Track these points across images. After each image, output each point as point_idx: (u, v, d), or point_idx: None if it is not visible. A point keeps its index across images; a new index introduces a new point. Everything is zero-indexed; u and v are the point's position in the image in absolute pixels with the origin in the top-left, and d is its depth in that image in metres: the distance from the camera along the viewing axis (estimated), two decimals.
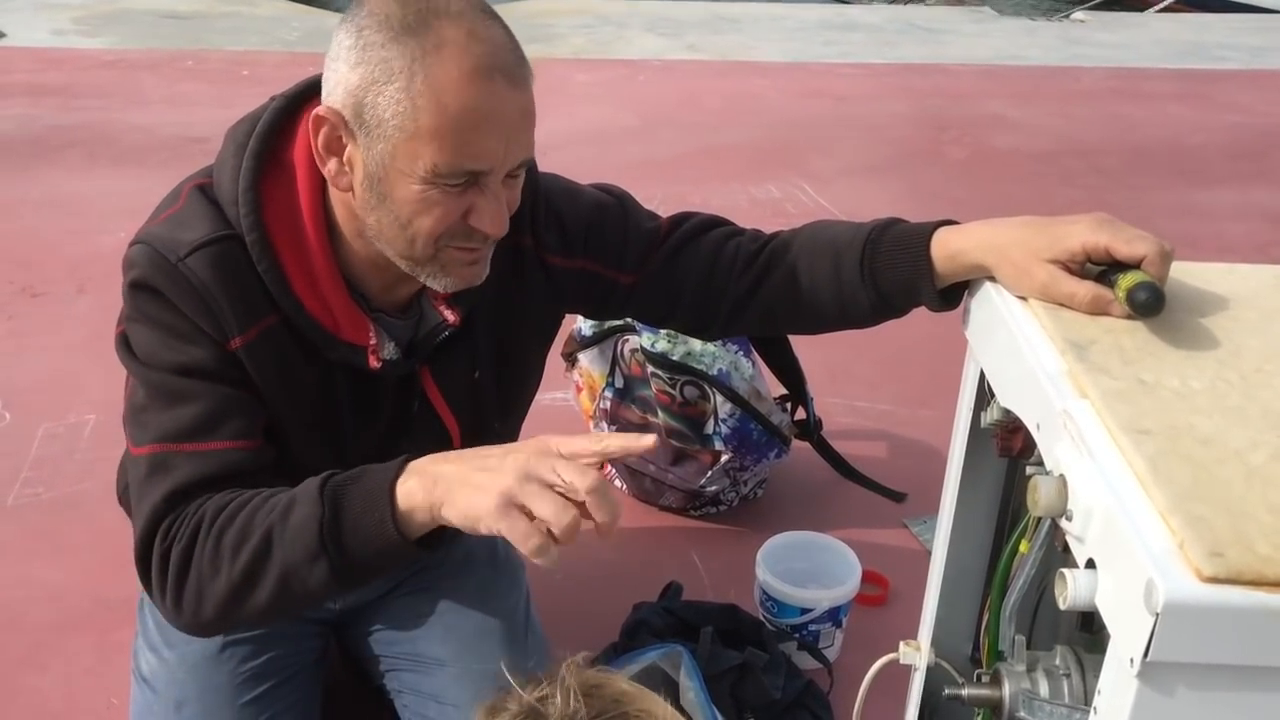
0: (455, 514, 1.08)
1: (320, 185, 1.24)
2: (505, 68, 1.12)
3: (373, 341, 1.28)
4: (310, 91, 1.24)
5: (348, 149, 1.16)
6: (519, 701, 0.94)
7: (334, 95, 1.14)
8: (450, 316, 1.32)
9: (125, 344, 1.25)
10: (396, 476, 1.12)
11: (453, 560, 1.54)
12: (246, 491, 1.19)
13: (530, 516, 1.04)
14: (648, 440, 1.09)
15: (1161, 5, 7.97)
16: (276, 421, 1.27)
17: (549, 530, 1.03)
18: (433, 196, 1.14)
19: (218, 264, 1.19)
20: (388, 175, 1.14)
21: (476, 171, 1.14)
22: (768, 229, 1.46)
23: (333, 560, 1.12)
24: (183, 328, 1.20)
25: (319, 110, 1.15)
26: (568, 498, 1.04)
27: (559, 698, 0.91)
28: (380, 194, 1.16)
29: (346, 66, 1.12)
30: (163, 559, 1.19)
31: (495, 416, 1.45)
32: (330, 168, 1.18)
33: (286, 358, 1.25)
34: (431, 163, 1.11)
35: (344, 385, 1.30)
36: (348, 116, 1.13)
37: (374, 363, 1.28)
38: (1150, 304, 1.01)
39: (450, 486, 1.09)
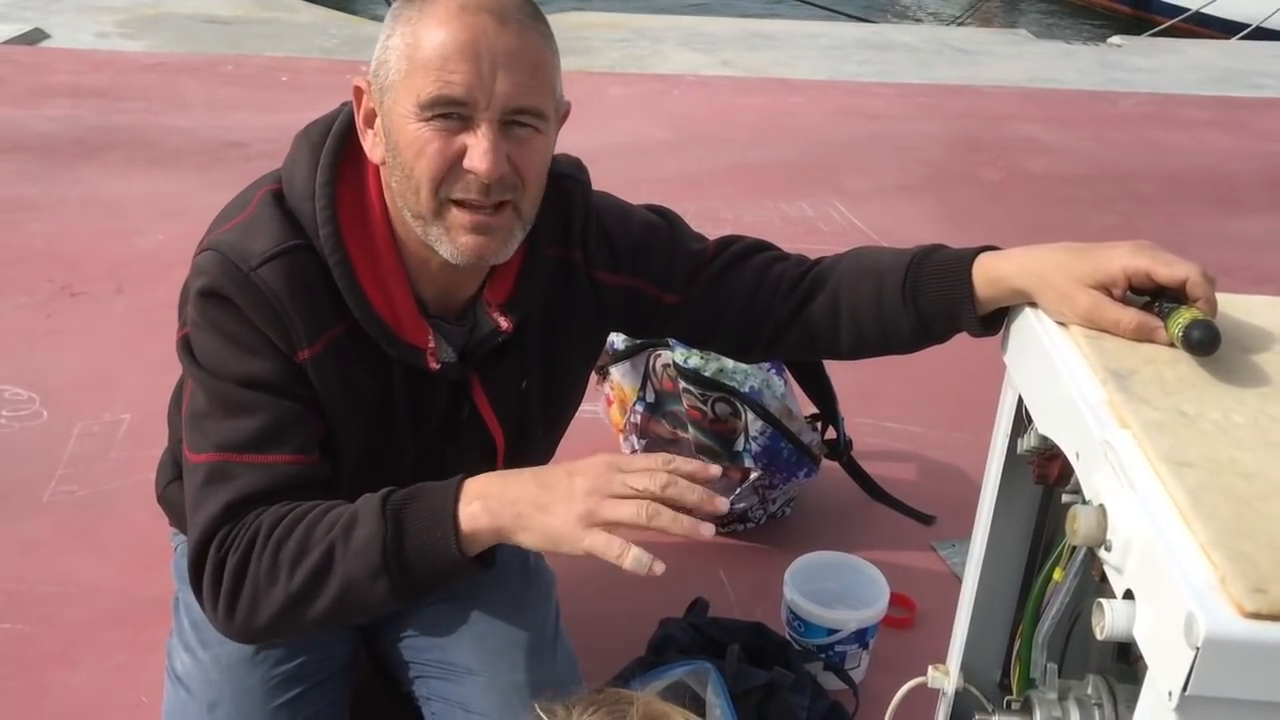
0: (534, 538, 1.13)
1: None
2: (494, 8, 1.17)
3: (431, 345, 1.30)
4: None
5: (378, 118, 1.21)
6: None
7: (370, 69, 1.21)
8: (503, 324, 1.35)
9: (188, 348, 1.28)
10: (457, 498, 1.15)
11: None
12: (302, 504, 1.22)
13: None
14: (714, 468, 1.12)
15: (1243, 33, 8.00)
16: (332, 429, 1.30)
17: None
18: (425, 134, 1.17)
19: (289, 274, 1.22)
20: (393, 124, 1.18)
21: (456, 99, 1.15)
22: (800, 247, 1.48)
23: (394, 578, 1.16)
24: (250, 339, 1.23)
25: (356, 80, 1.22)
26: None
27: None
28: (393, 148, 1.20)
29: (378, 42, 1.20)
30: (217, 567, 1.22)
31: (539, 426, 1.47)
32: (368, 140, 1.24)
33: (349, 366, 1.28)
34: (416, 93, 1.15)
35: (401, 388, 1.33)
36: (373, 82, 1.20)
37: (433, 364, 1.30)
38: (1205, 342, 0.99)
39: (522, 511, 1.12)
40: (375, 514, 1.16)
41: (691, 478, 1.11)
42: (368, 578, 1.16)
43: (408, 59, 1.15)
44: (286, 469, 1.24)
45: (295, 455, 1.24)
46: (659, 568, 1.07)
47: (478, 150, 1.16)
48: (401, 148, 1.18)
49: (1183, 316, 1.03)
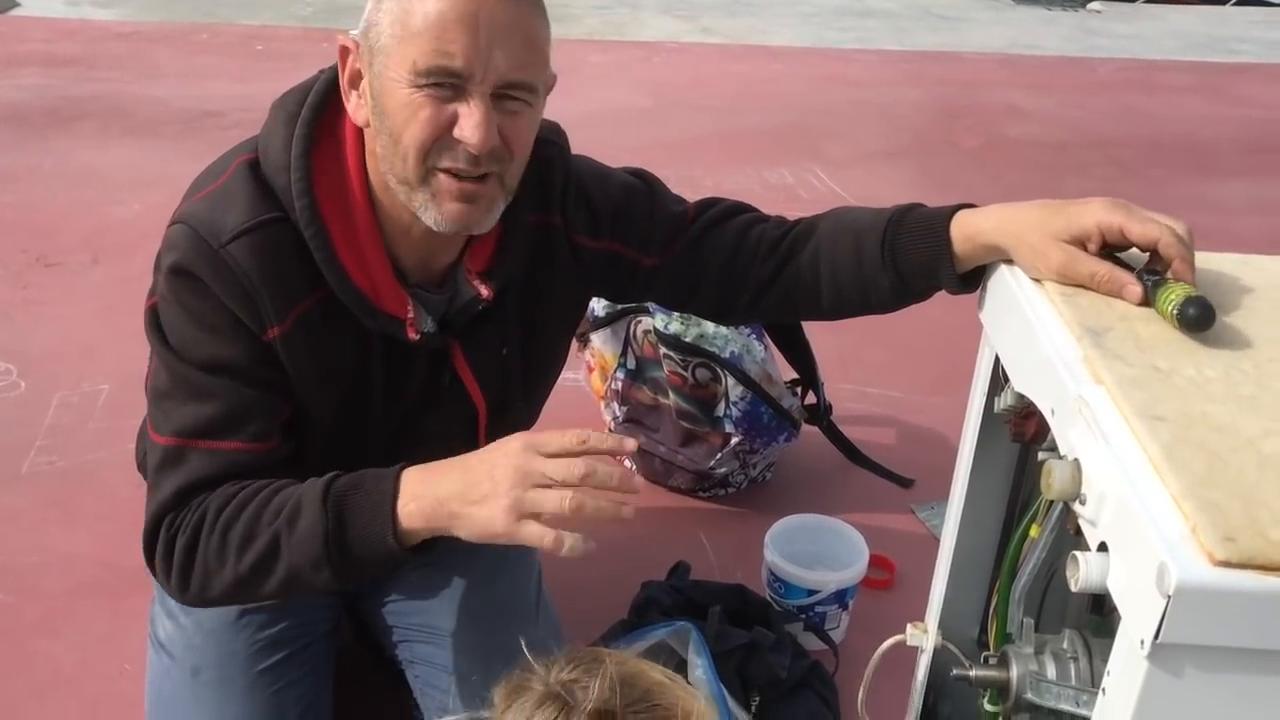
0: (469, 533, 1.15)
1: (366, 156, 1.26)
2: None
3: (410, 315, 1.29)
4: None
5: (364, 79, 1.20)
6: (544, 682, 0.95)
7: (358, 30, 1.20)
8: (484, 291, 1.34)
9: (155, 323, 1.27)
10: (395, 494, 1.17)
11: None
12: (250, 484, 1.23)
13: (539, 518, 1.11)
14: (630, 443, 1.13)
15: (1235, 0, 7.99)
16: (304, 403, 1.30)
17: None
18: (417, 100, 1.15)
19: (260, 251, 1.21)
20: (384, 88, 1.17)
21: (454, 71, 1.14)
22: (780, 213, 1.47)
23: (336, 567, 1.19)
24: (217, 319, 1.22)
25: (341, 40, 1.21)
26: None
27: (594, 685, 0.92)
28: (380, 112, 1.19)
29: (369, 2, 1.18)
30: (168, 547, 1.24)
31: (520, 394, 1.47)
32: (352, 102, 1.22)
33: (321, 339, 1.27)
34: (411, 60, 1.14)
35: (379, 356, 1.33)
36: (361, 42, 1.19)
37: (412, 334, 1.30)
38: (1200, 319, 0.98)
39: (454, 510, 1.14)
40: (317, 505, 1.18)
41: (611, 454, 1.13)
42: (310, 567, 1.19)
43: (402, 24, 1.13)
44: (238, 456, 1.25)
45: (251, 442, 1.25)
46: (590, 545, 1.10)
47: (470, 122, 1.16)
48: (390, 112, 1.17)
49: (1174, 293, 1.01)
